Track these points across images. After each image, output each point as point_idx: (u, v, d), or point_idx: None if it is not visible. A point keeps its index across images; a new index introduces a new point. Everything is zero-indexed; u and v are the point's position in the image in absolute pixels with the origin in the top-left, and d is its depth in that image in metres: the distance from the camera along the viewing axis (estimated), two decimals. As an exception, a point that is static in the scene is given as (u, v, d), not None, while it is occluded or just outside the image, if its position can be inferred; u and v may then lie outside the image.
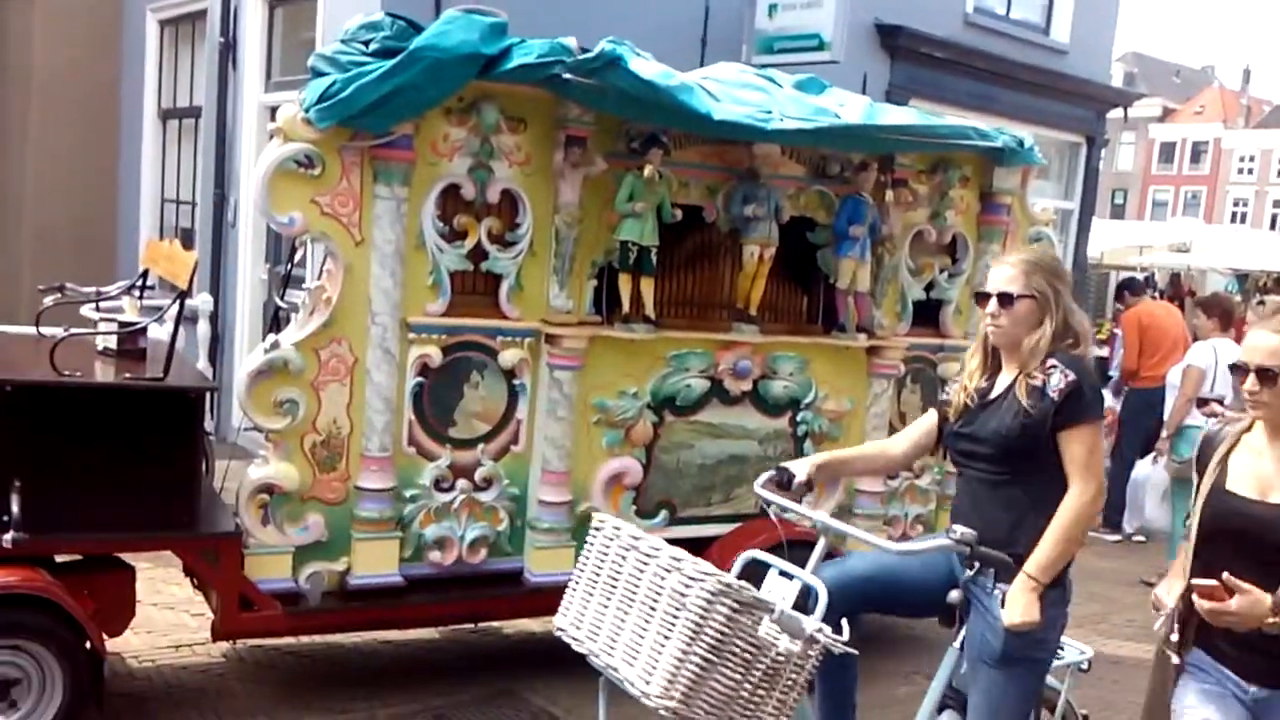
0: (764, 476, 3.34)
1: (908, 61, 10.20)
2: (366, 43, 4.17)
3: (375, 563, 4.38)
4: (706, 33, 8.72)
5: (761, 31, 8.86)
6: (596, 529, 3.02)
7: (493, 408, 4.57)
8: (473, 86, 4.25)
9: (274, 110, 4.28)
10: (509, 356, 4.53)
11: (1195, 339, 7.73)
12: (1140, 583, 7.55)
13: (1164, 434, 7.40)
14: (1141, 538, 8.61)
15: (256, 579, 4.21)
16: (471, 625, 5.27)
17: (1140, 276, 12.36)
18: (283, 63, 8.50)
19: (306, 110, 4.09)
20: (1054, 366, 3.04)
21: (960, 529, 2.94)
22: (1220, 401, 6.73)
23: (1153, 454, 7.51)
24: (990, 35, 10.98)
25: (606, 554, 2.94)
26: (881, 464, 3.89)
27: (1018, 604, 3.01)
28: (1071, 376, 3.01)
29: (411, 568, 4.49)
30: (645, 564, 2.81)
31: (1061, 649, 3.38)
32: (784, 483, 3.30)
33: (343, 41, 4.22)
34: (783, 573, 2.99)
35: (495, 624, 5.42)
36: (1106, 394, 9.39)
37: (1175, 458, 7.26)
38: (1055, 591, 3.08)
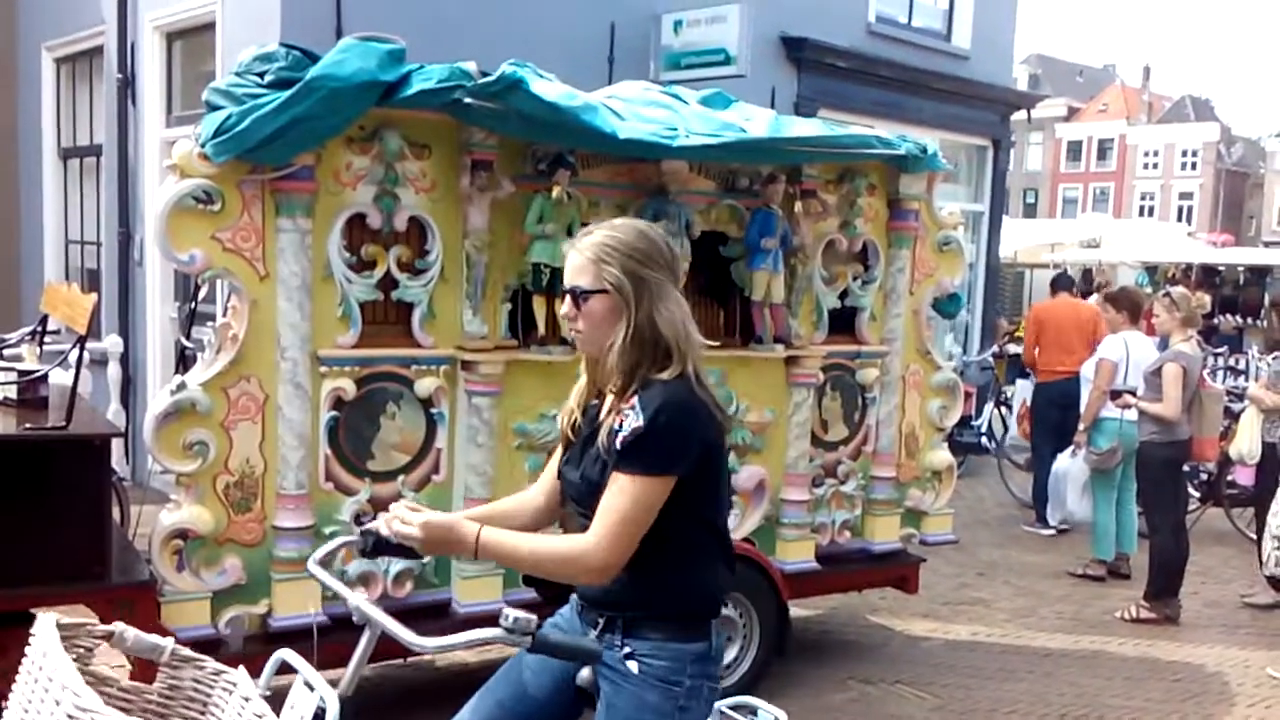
0: (328, 547, 2.85)
1: (814, 72, 10.32)
2: (261, 74, 4.09)
3: (297, 603, 4.26)
4: (613, 51, 8.73)
5: (668, 48, 8.91)
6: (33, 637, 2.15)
7: (411, 438, 4.51)
8: (374, 114, 4.20)
9: (174, 145, 4.18)
10: (425, 385, 4.47)
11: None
12: (1067, 574, 7.68)
13: (1080, 427, 7.54)
14: (1064, 527, 8.75)
15: (174, 627, 4.07)
16: (402, 660, 5.18)
17: (1070, 273, 12.60)
18: (183, 97, 8.35)
19: (202, 145, 4.01)
20: (632, 407, 2.37)
21: (514, 613, 2.17)
22: (1132, 393, 6.89)
23: (1071, 447, 7.64)
24: (893, 43, 11.15)
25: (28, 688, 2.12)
26: (529, 518, 2.75)
27: (435, 535, 2.42)
28: (641, 423, 2.33)
29: (336, 606, 4.36)
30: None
31: (755, 714, 2.88)
32: (369, 549, 2.59)
33: (237, 74, 4.14)
34: (307, 682, 2.40)
35: (426, 658, 5.34)
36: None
37: (1093, 449, 7.41)
38: (698, 652, 2.48)
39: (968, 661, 5.95)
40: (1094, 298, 10.22)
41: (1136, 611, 6.76)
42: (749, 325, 5.24)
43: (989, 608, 6.93)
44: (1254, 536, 7.53)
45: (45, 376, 4.29)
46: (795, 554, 5.41)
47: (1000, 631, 6.49)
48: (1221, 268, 21.47)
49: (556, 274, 4.52)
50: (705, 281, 5.17)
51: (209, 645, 4.14)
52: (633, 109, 4.72)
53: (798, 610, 5.92)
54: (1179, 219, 52.08)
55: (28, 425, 3.97)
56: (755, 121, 4.97)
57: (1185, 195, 59.09)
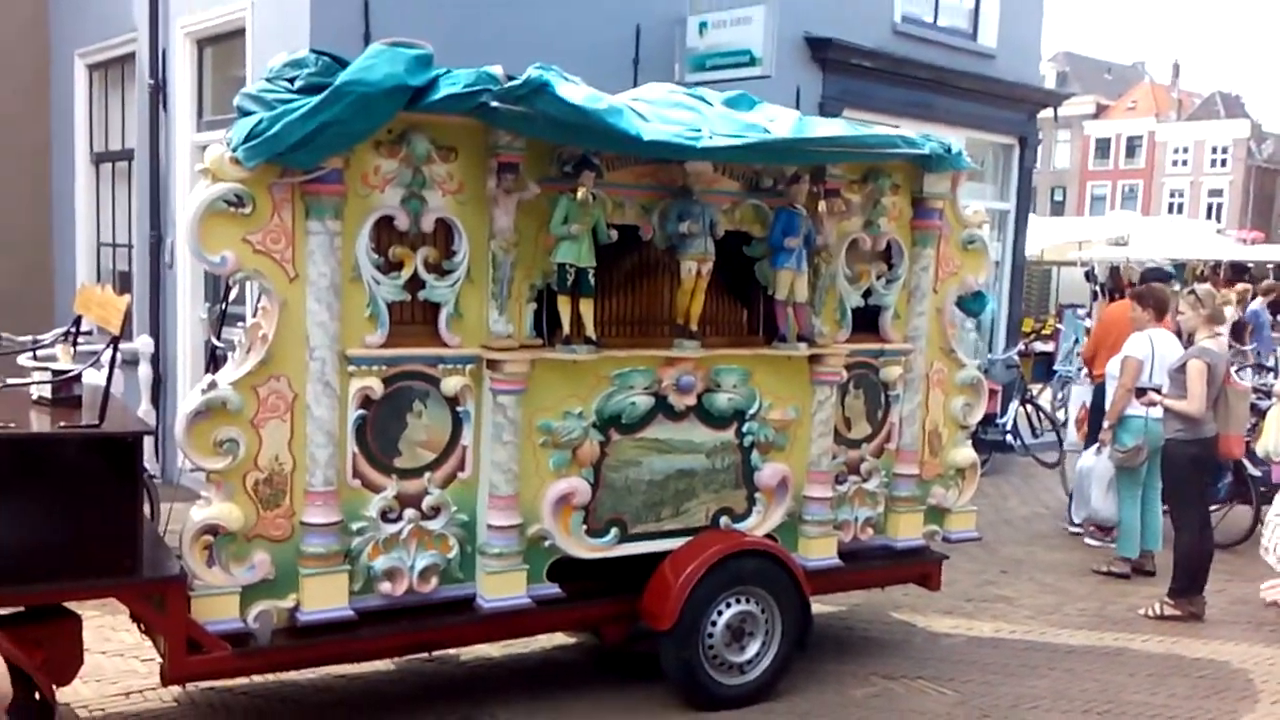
0: None
1: (839, 73, 10.32)
2: (292, 80, 4.17)
3: (324, 598, 4.35)
4: (638, 53, 8.78)
5: (693, 50, 8.93)
6: None
7: (437, 436, 4.57)
8: (401, 118, 4.26)
9: (206, 150, 4.26)
10: (451, 384, 4.54)
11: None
12: (1091, 572, 7.67)
13: (1105, 424, 7.53)
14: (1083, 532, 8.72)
15: (204, 621, 4.17)
16: (426, 655, 5.26)
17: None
18: (213, 102, 8.46)
19: (234, 150, 4.09)
20: None
21: None
22: (1158, 390, 6.88)
23: (1096, 445, 7.63)
24: (919, 43, 11.13)
25: None
26: None
27: None
28: None
29: (362, 600, 4.47)
30: None
31: None
32: None
33: (267, 80, 4.23)
34: None
35: (451, 652, 5.40)
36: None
37: (1118, 447, 7.40)
38: None
39: (990, 658, 5.97)
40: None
41: (1161, 609, 6.75)
42: (773, 324, 5.28)
43: (1012, 605, 6.94)
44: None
45: (79, 376, 4.39)
46: (818, 551, 5.44)
47: (1023, 628, 6.50)
48: (1251, 265, 21.31)
49: (581, 274, 4.59)
50: (729, 280, 5.21)
51: (237, 639, 4.24)
52: (657, 111, 4.77)
53: (820, 606, 5.96)
54: (1208, 216, 51.58)
55: (62, 423, 4.07)
56: (779, 122, 5.01)
57: (1215, 192, 58.51)
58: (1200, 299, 6.79)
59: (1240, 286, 13.53)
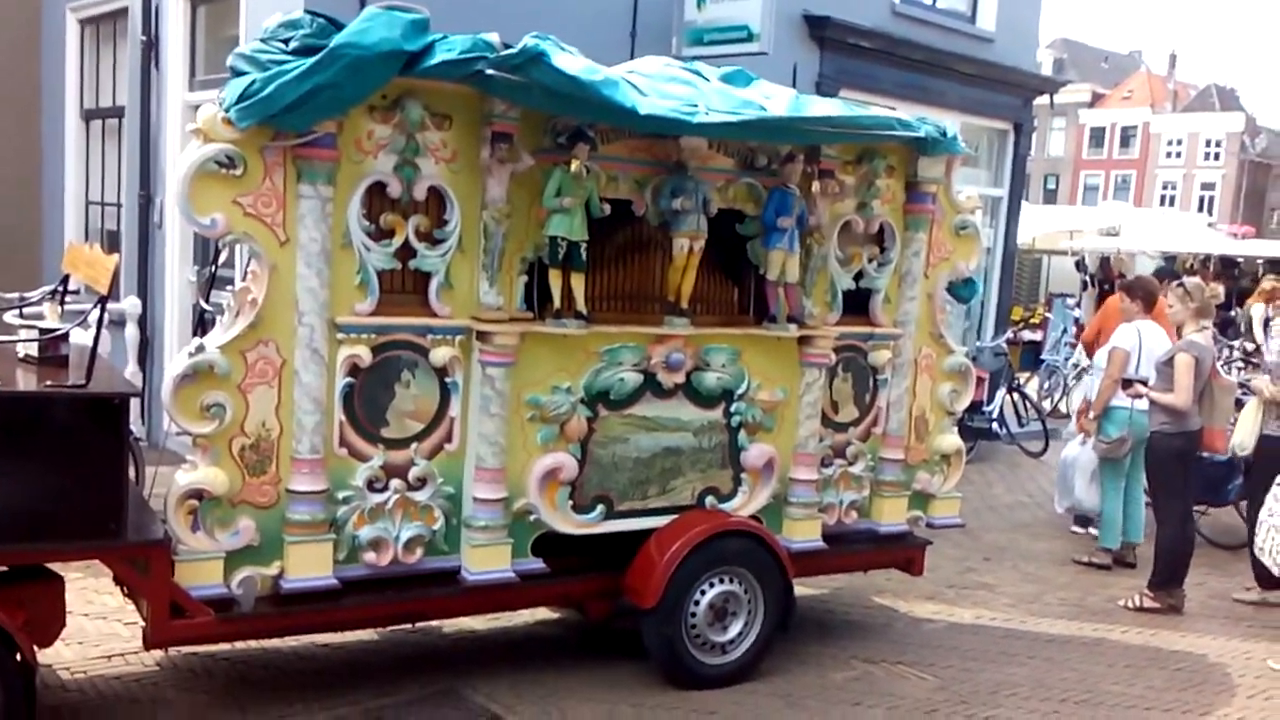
0: None
1: (836, 52, 10.26)
2: (286, 41, 4.12)
3: (309, 566, 4.34)
4: (636, 26, 8.72)
5: (691, 23, 8.88)
6: None
7: (425, 406, 4.55)
8: (396, 83, 4.22)
9: (198, 109, 4.22)
10: (440, 355, 4.52)
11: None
12: (1072, 562, 7.71)
13: (1090, 415, 7.55)
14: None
15: (187, 585, 4.16)
16: (410, 625, 5.25)
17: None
18: (206, 61, 8.37)
19: (226, 110, 4.04)
20: None
21: None
22: (1144, 383, 6.89)
23: (1080, 435, 7.65)
24: (917, 25, 11.08)
25: None
26: None
27: None
28: None
29: (346, 570, 4.46)
30: None
31: None
32: None
33: (262, 40, 4.17)
34: None
35: (434, 623, 5.40)
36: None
37: (1103, 438, 7.42)
38: None
39: (970, 644, 5.99)
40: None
41: (1141, 600, 6.79)
42: (763, 304, 5.26)
43: (993, 592, 6.96)
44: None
45: (66, 335, 4.36)
46: (802, 533, 5.45)
47: (1004, 616, 6.53)
48: (1240, 259, 21.38)
49: (573, 247, 4.57)
50: (721, 259, 5.19)
51: (221, 605, 4.22)
52: (654, 84, 4.73)
53: (803, 589, 5.97)
54: (1200, 209, 51.73)
55: (48, 383, 4.04)
56: (775, 100, 4.98)
57: (1207, 185, 58.58)
58: (1189, 292, 6.79)
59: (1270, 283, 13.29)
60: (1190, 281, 7.07)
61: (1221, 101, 61.20)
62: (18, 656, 3.83)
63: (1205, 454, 7.20)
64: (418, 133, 4.34)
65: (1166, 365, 6.67)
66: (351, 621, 4.74)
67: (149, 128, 8.59)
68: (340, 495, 4.40)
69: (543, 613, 5.81)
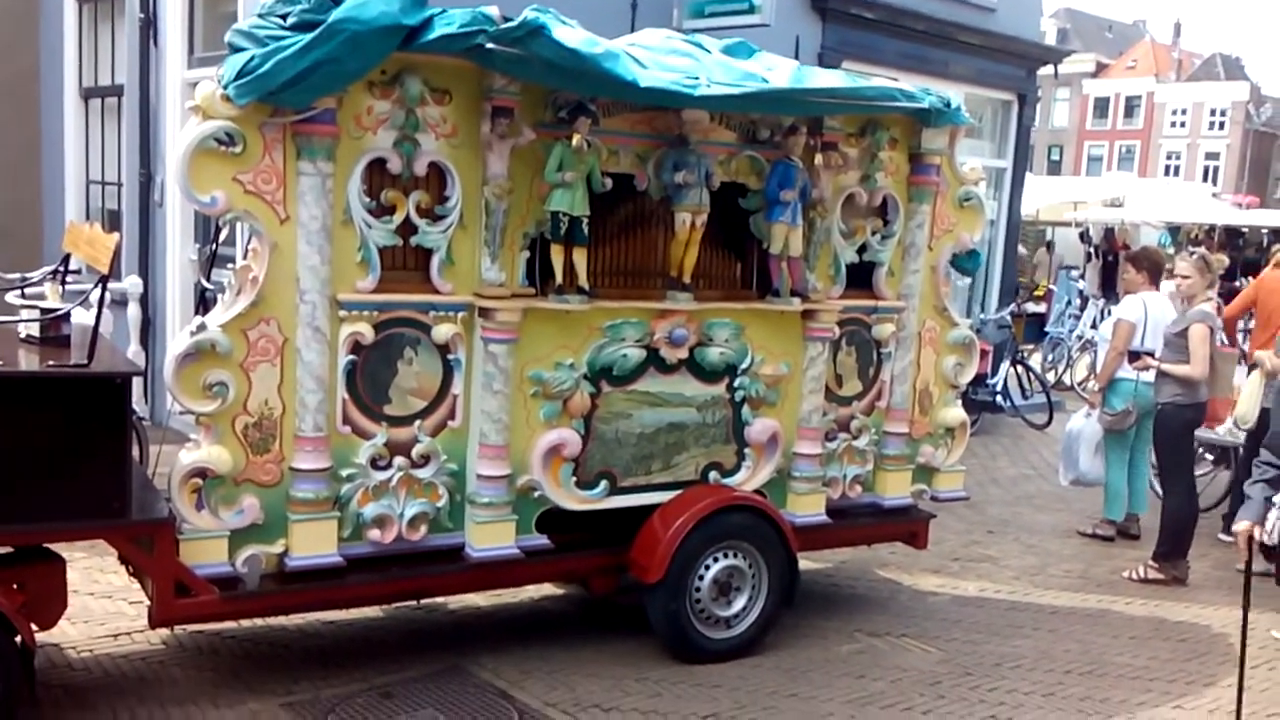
0: None
1: (839, 23, 10.20)
2: (284, 16, 4.09)
3: (313, 544, 4.34)
4: (636, -2, 8.66)
5: (692, -5, 8.82)
6: None
7: (428, 383, 4.54)
8: (395, 58, 4.19)
9: (197, 87, 4.19)
10: (442, 331, 4.50)
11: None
12: (1076, 534, 7.71)
13: (1095, 387, 7.53)
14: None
15: (192, 564, 4.16)
16: (414, 602, 5.26)
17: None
18: (205, 38, 8.31)
19: (225, 87, 4.01)
20: None
21: None
22: (1150, 354, 6.87)
23: (1085, 407, 7.63)
24: (920, -5, 11.00)
25: None
26: None
27: None
28: None
29: (351, 547, 4.46)
30: None
31: None
32: None
33: (260, 16, 4.14)
34: None
35: (438, 600, 5.41)
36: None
37: (1107, 410, 7.40)
38: None
39: (974, 617, 6.00)
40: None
41: (1145, 572, 6.79)
42: (766, 277, 5.24)
43: (997, 565, 6.97)
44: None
45: (68, 315, 4.34)
46: (806, 507, 5.45)
47: (1008, 589, 6.53)
48: (1245, 230, 21.30)
49: (575, 222, 4.55)
50: (723, 233, 5.16)
51: (225, 583, 4.23)
52: (655, 57, 4.69)
53: (807, 563, 5.98)
54: (1205, 179, 51.51)
55: (50, 362, 4.03)
56: (777, 72, 4.94)
57: (1212, 155, 58.31)
58: (1208, 263, 6.76)
59: None
60: (1201, 250, 7.04)
61: (1226, 71, 60.85)
62: (16, 639, 3.83)
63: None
64: (417, 108, 4.31)
65: (1179, 337, 6.64)
66: (356, 599, 4.75)
67: (148, 106, 8.54)
68: (344, 473, 4.40)
69: (547, 589, 5.82)
